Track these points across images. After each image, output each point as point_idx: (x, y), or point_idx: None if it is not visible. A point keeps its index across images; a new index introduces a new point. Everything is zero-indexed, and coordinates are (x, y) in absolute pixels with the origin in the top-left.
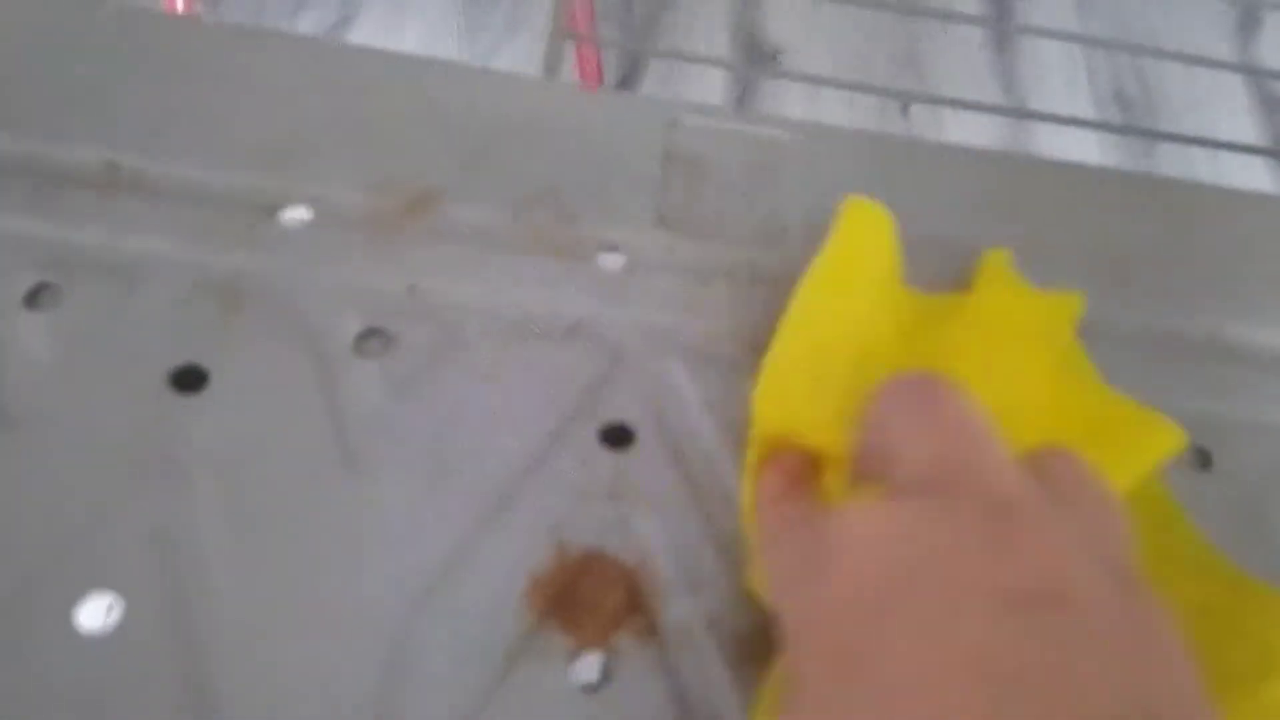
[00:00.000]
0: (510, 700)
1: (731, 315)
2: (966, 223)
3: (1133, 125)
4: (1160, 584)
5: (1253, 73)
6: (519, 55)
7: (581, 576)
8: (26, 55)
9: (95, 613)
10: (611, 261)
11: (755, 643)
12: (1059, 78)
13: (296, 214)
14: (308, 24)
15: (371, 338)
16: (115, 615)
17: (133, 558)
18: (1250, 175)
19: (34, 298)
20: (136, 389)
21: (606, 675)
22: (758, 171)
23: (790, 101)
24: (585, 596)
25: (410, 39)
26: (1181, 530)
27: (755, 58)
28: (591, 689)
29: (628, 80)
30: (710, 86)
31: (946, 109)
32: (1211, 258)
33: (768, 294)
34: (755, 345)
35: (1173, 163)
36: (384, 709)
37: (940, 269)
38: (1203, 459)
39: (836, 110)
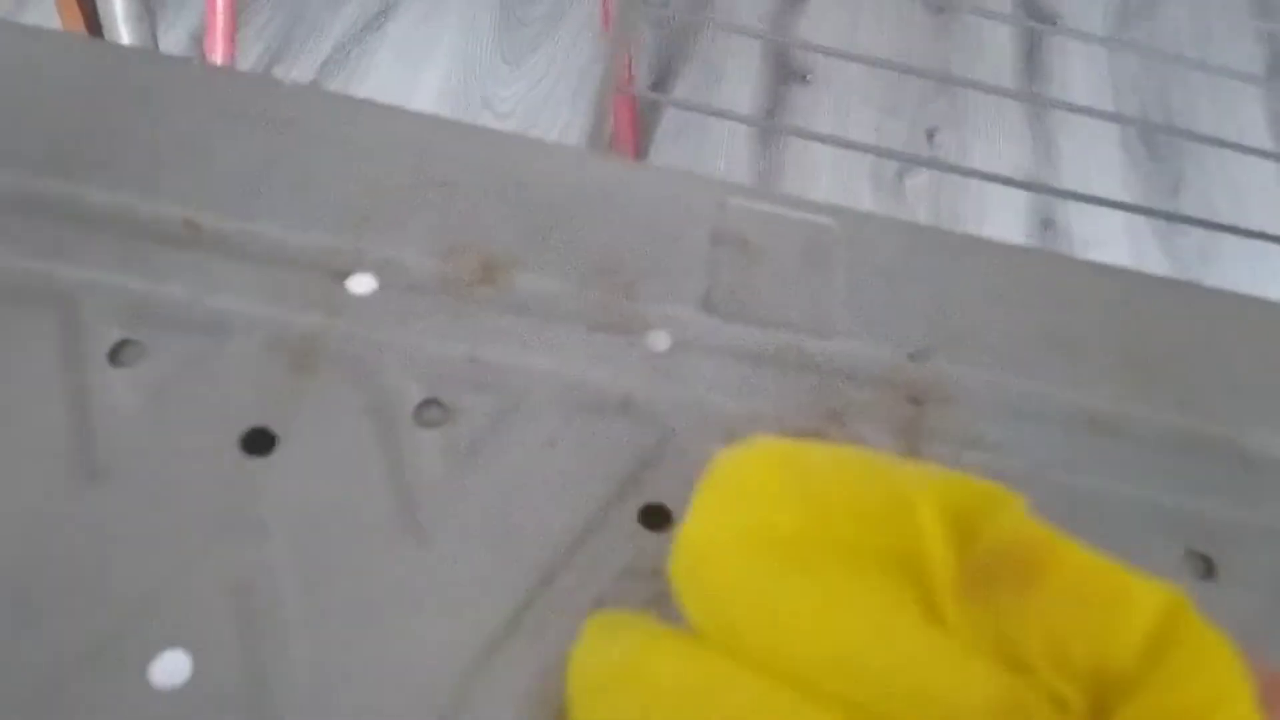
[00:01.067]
0: None
1: (777, 400)
2: (1000, 316)
3: (1161, 210)
4: None
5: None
6: (557, 52)
7: None
8: (115, 112)
9: (170, 668)
10: (660, 340)
11: None
12: (1085, 98)
13: (365, 279)
14: (348, 16)
15: (432, 406)
16: (187, 671)
17: (206, 614)
18: (1270, 208)
19: (118, 353)
20: (213, 447)
21: None
22: (805, 257)
23: (818, 121)
24: None
25: (448, 33)
26: None
27: (785, 78)
28: None
29: (658, 85)
30: (739, 101)
31: (971, 137)
32: (1236, 364)
33: (814, 381)
34: (797, 430)
35: (1195, 204)
36: None
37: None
38: (1207, 567)
39: (865, 133)
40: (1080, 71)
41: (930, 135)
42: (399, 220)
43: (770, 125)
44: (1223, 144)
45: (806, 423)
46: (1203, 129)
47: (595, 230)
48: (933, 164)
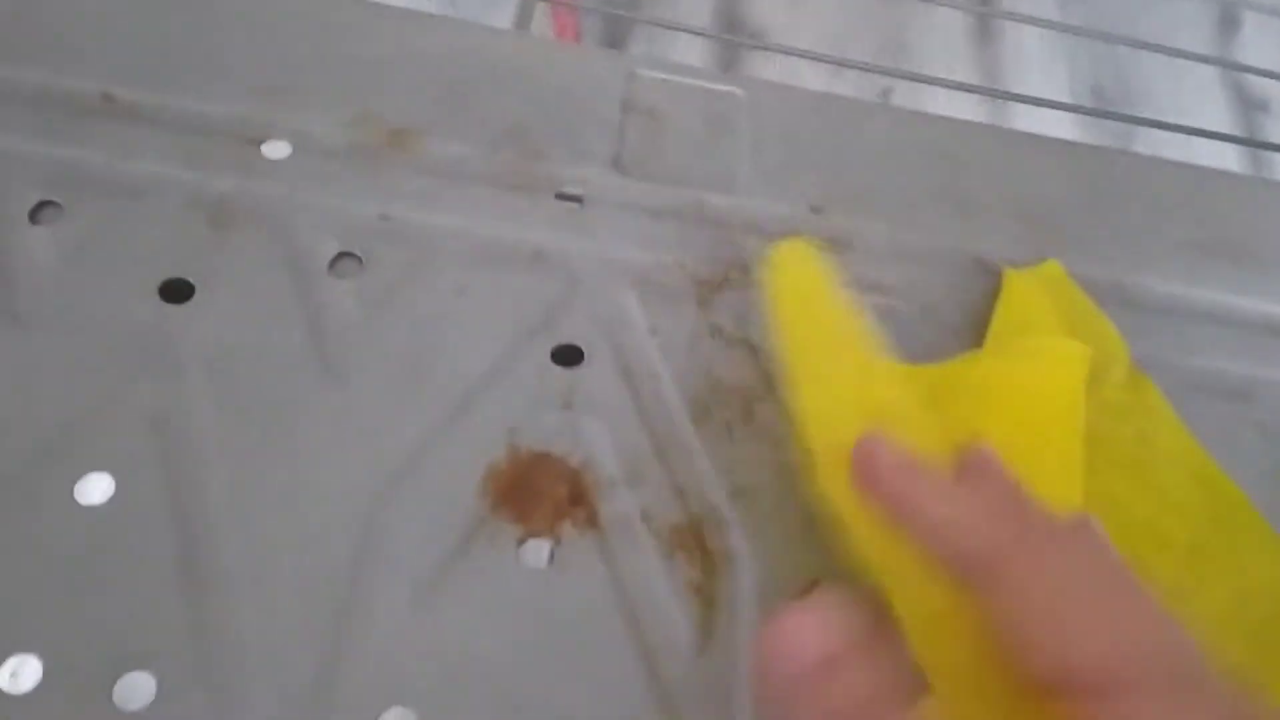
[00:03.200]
0: (465, 577)
1: (679, 250)
2: (902, 178)
3: (1109, 110)
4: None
5: (1227, 65)
6: (503, 20)
7: (531, 472)
8: None
9: (94, 488)
10: (571, 198)
11: (684, 533)
12: (1038, 70)
13: (280, 145)
14: None
15: (346, 259)
16: (111, 491)
17: (128, 442)
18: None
19: (38, 213)
20: (131, 295)
21: (551, 559)
22: (711, 122)
23: (770, 73)
24: (534, 489)
25: None
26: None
27: (738, 30)
28: (538, 571)
29: (613, 41)
30: (690, 53)
31: (927, 95)
32: (1123, 215)
33: (719, 234)
34: (698, 278)
35: (1147, 145)
36: (355, 579)
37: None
38: None
39: (815, 84)
40: (1033, 35)
41: (884, 95)
42: (311, 90)
43: (728, 39)
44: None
45: (713, 271)
46: (1156, 91)
47: (506, 100)
48: (896, 73)
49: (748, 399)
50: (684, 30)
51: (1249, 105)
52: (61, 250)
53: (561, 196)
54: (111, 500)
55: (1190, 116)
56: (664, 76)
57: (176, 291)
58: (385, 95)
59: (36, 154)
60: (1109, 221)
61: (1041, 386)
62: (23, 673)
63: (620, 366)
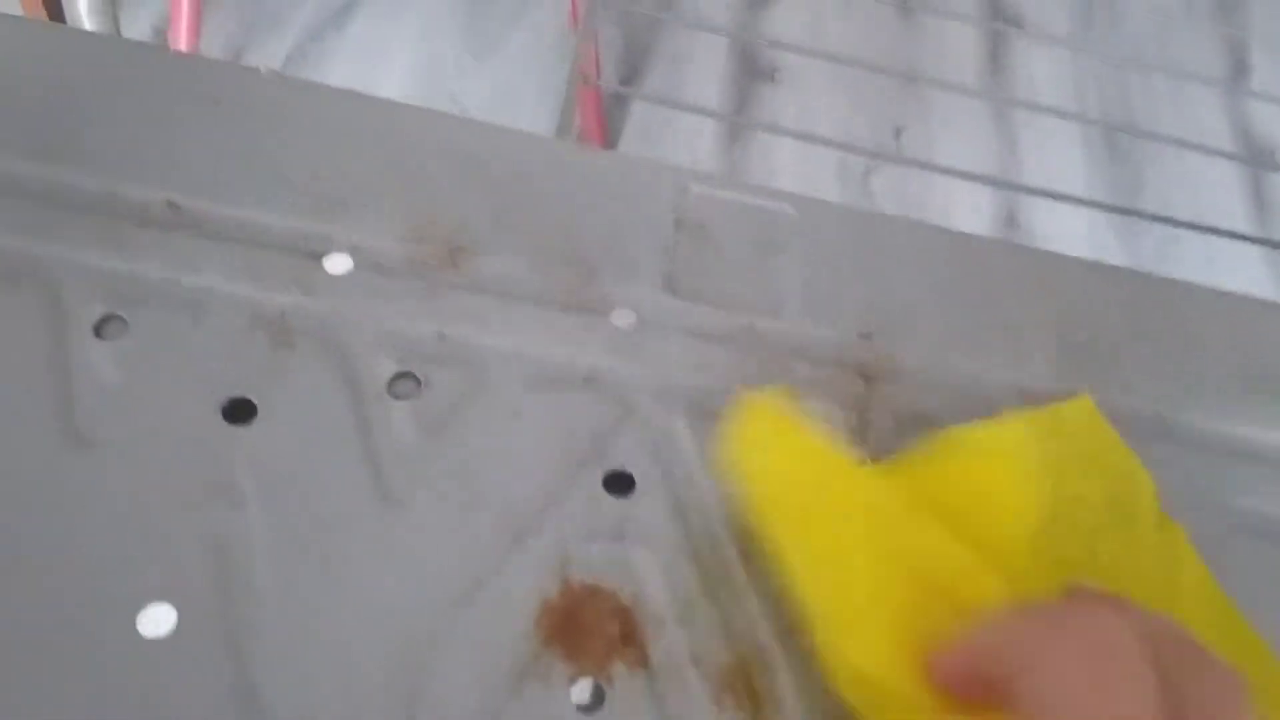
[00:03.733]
0: (519, 714)
1: (729, 375)
2: (949, 302)
3: (1123, 207)
4: None
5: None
6: (523, 47)
7: (583, 607)
8: (96, 99)
9: (156, 619)
10: (623, 319)
11: (733, 674)
12: (1049, 100)
13: (341, 259)
14: (310, 12)
15: (403, 380)
16: (172, 623)
17: (190, 571)
18: (1231, 224)
19: (102, 327)
20: (195, 416)
21: (601, 700)
22: (761, 242)
23: (785, 119)
24: (586, 626)
25: (412, 29)
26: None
27: (752, 75)
28: (587, 710)
29: (625, 83)
30: (705, 99)
31: (937, 134)
32: (1166, 347)
33: (768, 358)
34: None
35: (1155, 206)
36: (408, 713)
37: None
38: None
39: (832, 128)
40: (1044, 72)
41: (897, 134)
42: (370, 204)
43: (736, 120)
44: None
45: None
46: (1164, 131)
47: (559, 215)
48: (896, 158)
49: None
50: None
51: (1253, 146)
52: (124, 367)
53: (617, 314)
54: (173, 633)
55: (1195, 156)
56: (716, 192)
57: (239, 411)
58: (443, 208)
59: (100, 265)
60: (1149, 350)
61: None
62: None
63: (671, 497)
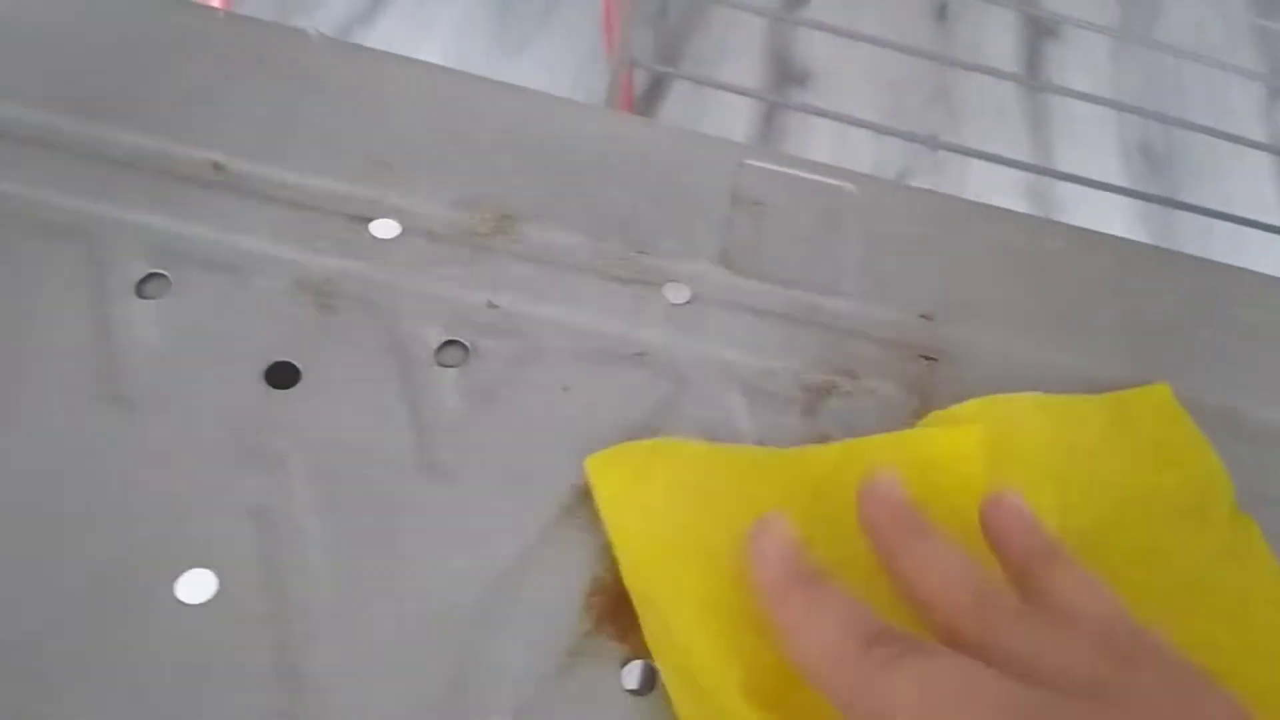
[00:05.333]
0: (569, 693)
1: (786, 354)
2: (1014, 287)
3: (1158, 195)
4: None
5: (1274, 150)
6: (551, 46)
7: None
8: (146, 58)
9: (195, 586)
10: (678, 294)
11: None
12: (1088, 124)
13: (388, 224)
14: (337, 6)
15: (452, 348)
16: (213, 589)
17: (231, 536)
18: (1266, 240)
19: (144, 286)
20: (237, 378)
21: (652, 684)
22: (821, 219)
23: (816, 125)
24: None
25: (439, 26)
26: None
27: (784, 80)
28: (637, 694)
29: (654, 91)
30: (736, 105)
31: (972, 138)
32: (1232, 334)
33: (827, 337)
34: (806, 384)
35: (1192, 222)
36: (459, 687)
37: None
38: None
39: (863, 137)
40: (1080, 86)
41: (930, 142)
42: (419, 169)
43: (775, 100)
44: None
45: (820, 377)
46: (1200, 147)
47: (614, 187)
48: (941, 144)
49: None
50: (735, 91)
51: None
52: (167, 327)
53: (670, 288)
54: (213, 599)
55: (1236, 174)
56: (774, 167)
57: (283, 376)
58: (493, 176)
59: (145, 223)
60: (1221, 341)
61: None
62: None
63: None
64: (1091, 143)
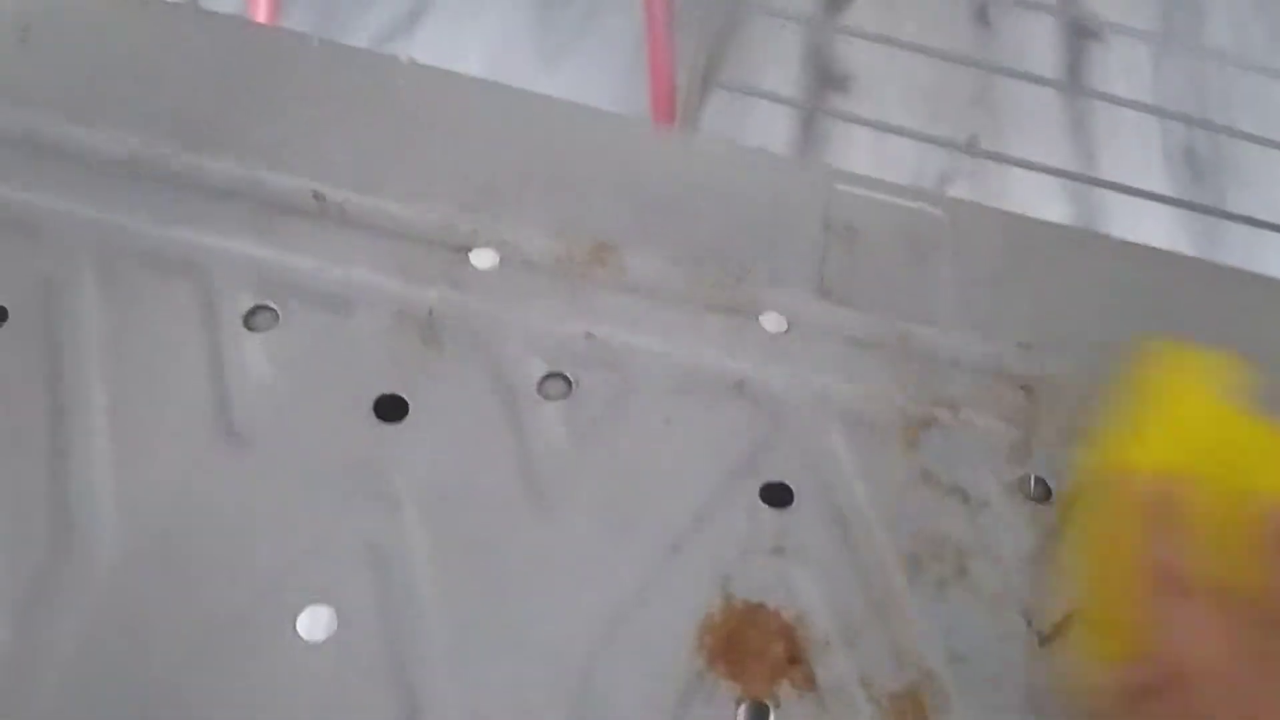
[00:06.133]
0: None
1: (884, 383)
2: (1112, 314)
3: (1204, 205)
4: None
5: None
6: (592, 55)
7: (746, 626)
8: (240, 85)
9: (316, 622)
10: (775, 323)
11: (904, 702)
12: (1130, 129)
13: (487, 254)
14: (380, 15)
15: (554, 380)
16: (333, 626)
17: (346, 573)
18: None
19: (251, 318)
20: (347, 412)
21: None
22: (912, 245)
23: (857, 129)
24: (750, 645)
25: (479, 34)
26: None
27: (824, 86)
28: None
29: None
30: (776, 114)
31: (1014, 144)
32: None
33: (924, 367)
34: (905, 415)
35: (1237, 229)
36: None
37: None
38: None
39: (904, 143)
40: (1123, 91)
41: (969, 146)
42: (515, 199)
43: (817, 108)
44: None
45: (919, 408)
46: (1245, 152)
47: (705, 213)
48: (978, 152)
49: (961, 554)
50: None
51: None
52: (277, 361)
53: (767, 317)
54: (333, 636)
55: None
56: (863, 193)
57: (391, 409)
58: (588, 205)
59: (249, 254)
60: None
61: None
62: None
63: (830, 511)
64: (1134, 148)
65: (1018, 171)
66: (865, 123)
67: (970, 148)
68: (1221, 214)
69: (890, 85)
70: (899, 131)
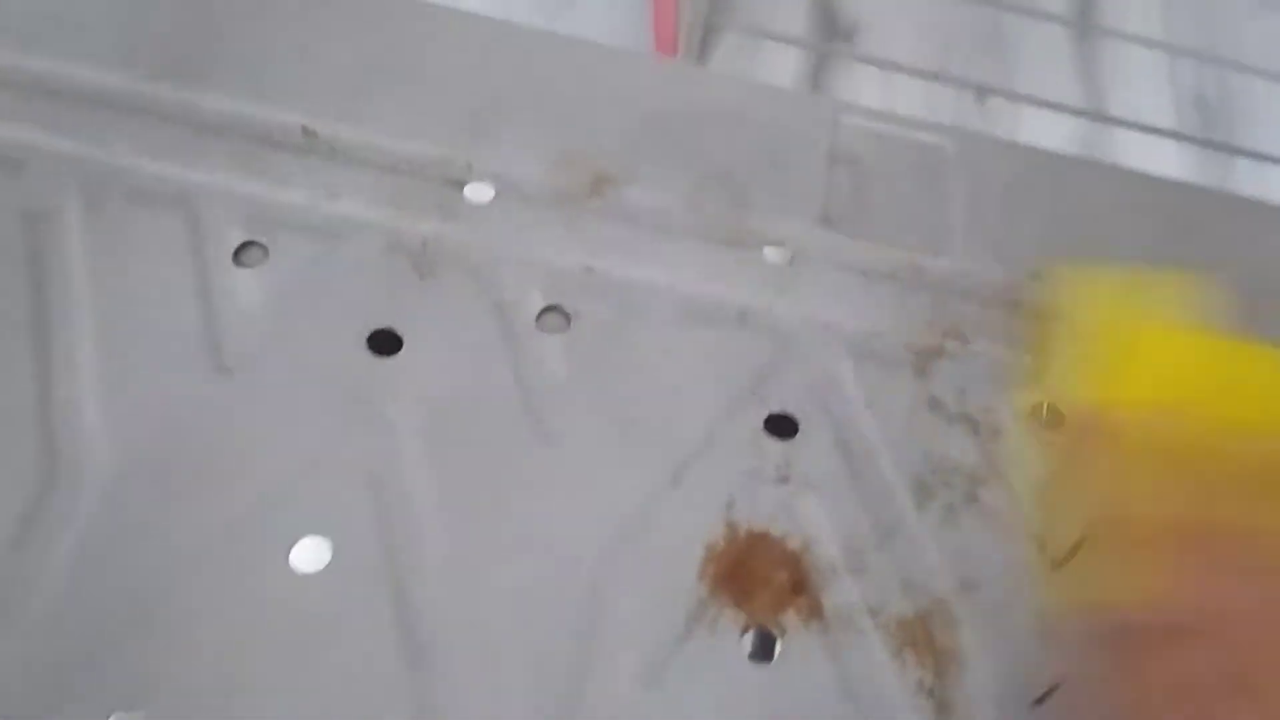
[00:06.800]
0: (690, 661)
1: (893, 314)
2: (1124, 244)
3: (1214, 140)
4: None
5: None
6: (592, 8)
7: (751, 554)
8: (225, 17)
9: (310, 554)
10: (777, 254)
11: (913, 628)
12: (1140, 76)
13: (483, 188)
14: None
15: (552, 313)
16: (327, 557)
17: (342, 504)
18: None
19: (241, 254)
20: (340, 346)
21: (771, 651)
22: (920, 176)
23: (864, 80)
24: (755, 574)
25: None
26: None
27: (831, 33)
28: (760, 662)
29: (702, 45)
30: (784, 59)
31: (1024, 102)
32: None
33: (932, 298)
34: (914, 346)
35: (1249, 172)
36: (581, 656)
37: None
38: None
39: (912, 93)
40: (1133, 32)
41: (979, 98)
42: (512, 131)
43: (831, 49)
44: None
45: (928, 339)
46: (1256, 99)
47: (710, 145)
48: (1004, 92)
49: (971, 480)
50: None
51: None
52: (267, 295)
53: (770, 248)
54: (328, 567)
55: None
56: (870, 124)
57: (384, 342)
58: (587, 137)
59: (238, 189)
60: None
61: None
62: None
63: (837, 440)
64: (1144, 95)
65: (1027, 119)
66: (876, 63)
67: (980, 96)
68: (1232, 150)
69: (897, 36)
70: (910, 71)
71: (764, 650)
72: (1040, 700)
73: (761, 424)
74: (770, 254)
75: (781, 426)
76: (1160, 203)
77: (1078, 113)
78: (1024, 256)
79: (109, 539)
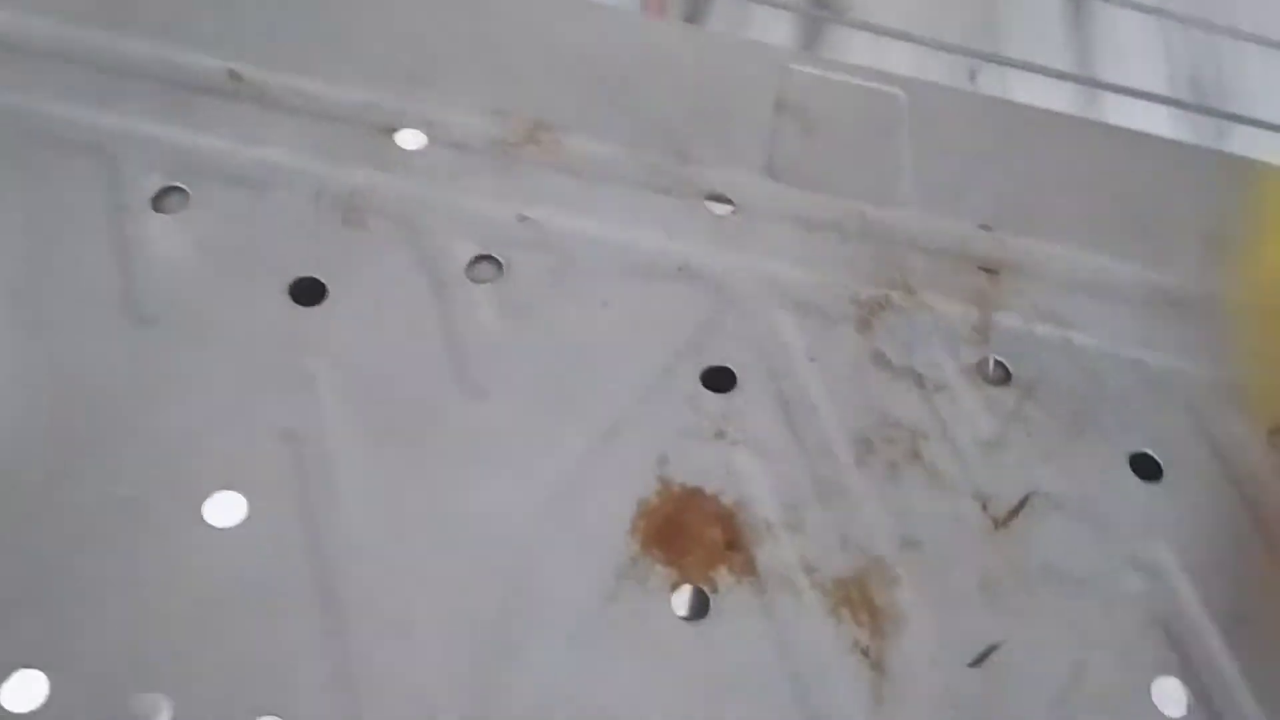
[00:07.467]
0: (620, 619)
1: (836, 266)
2: (1078, 195)
3: (1208, 107)
4: None
5: None
6: None
7: (683, 510)
8: None
9: (224, 509)
10: (720, 206)
11: (849, 587)
12: (1135, 55)
13: (414, 135)
14: None
15: (484, 263)
16: (243, 513)
17: (259, 459)
18: None
19: (161, 200)
20: (261, 295)
21: (705, 609)
22: (870, 126)
23: (855, 53)
24: (687, 530)
25: None
26: None
27: (823, 4)
28: (689, 620)
29: (692, 15)
30: (776, 23)
31: (1015, 76)
32: None
33: (879, 249)
34: (858, 298)
35: (1244, 139)
36: (508, 610)
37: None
38: None
39: (902, 56)
40: (1130, 17)
41: (972, 76)
42: (445, 78)
43: (822, 14)
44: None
45: (873, 291)
46: (1251, 79)
47: (652, 94)
48: (997, 59)
49: (914, 437)
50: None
51: None
52: (187, 242)
53: (713, 199)
54: (244, 523)
55: None
56: (820, 73)
57: (308, 292)
58: (524, 84)
59: (159, 135)
60: None
61: None
62: (156, 716)
63: (776, 394)
64: (1139, 74)
65: (1020, 86)
66: (870, 29)
67: (977, 54)
68: (1227, 116)
69: (888, 15)
70: (902, 37)
71: (696, 608)
72: (977, 661)
73: (698, 378)
74: (712, 204)
75: (719, 380)
76: (1117, 154)
77: (1071, 80)
78: (976, 208)
79: (13, 493)
